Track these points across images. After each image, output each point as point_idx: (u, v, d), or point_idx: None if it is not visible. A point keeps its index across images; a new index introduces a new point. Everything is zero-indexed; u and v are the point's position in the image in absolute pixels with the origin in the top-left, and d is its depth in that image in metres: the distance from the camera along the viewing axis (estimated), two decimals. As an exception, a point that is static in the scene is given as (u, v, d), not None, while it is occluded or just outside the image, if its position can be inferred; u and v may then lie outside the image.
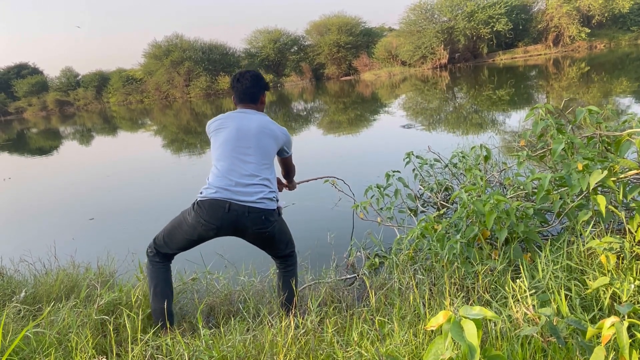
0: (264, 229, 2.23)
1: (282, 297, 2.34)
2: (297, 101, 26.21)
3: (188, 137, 15.87)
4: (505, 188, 3.84)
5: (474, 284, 2.12)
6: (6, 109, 47.50)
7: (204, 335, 1.61)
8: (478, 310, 1.03)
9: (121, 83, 43.27)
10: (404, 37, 34.04)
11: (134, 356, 1.59)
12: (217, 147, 2.32)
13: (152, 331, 1.83)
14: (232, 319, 2.10)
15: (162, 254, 2.33)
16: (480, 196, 2.80)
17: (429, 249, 2.67)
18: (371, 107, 17.30)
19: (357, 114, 15.46)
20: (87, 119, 33.14)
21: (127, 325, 1.79)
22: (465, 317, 1.02)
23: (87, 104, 44.82)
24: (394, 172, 4.12)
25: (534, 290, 1.79)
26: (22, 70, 49.91)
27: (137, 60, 48.00)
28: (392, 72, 33.74)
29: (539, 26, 31.84)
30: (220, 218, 2.16)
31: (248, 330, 1.94)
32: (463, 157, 4.28)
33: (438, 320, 1.05)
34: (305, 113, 19.24)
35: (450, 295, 1.88)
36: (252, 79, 2.42)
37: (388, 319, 1.75)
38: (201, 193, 2.24)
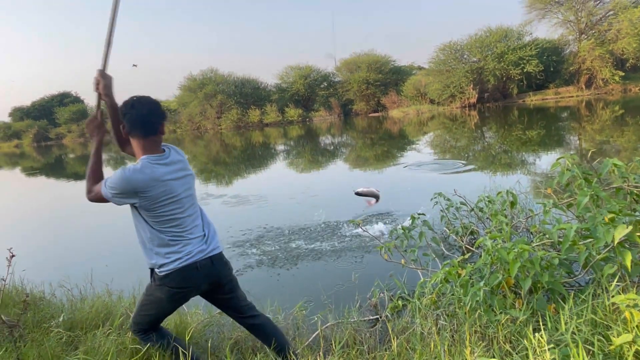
0: None
1: (278, 342, 2.27)
2: (325, 136, 26.61)
3: (217, 167, 16.27)
4: (533, 235, 3.82)
5: (496, 333, 2.13)
6: (47, 134, 49.92)
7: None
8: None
9: (156, 113, 44.96)
10: (433, 75, 34.39)
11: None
12: (164, 211, 2.20)
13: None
14: (257, 355, 2.17)
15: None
16: (505, 243, 2.82)
17: (452, 294, 2.69)
18: (398, 144, 17.43)
19: (384, 150, 15.59)
20: (123, 146, 34.33)
21: (157, 356, 1.89)
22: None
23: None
24: (419, 214, 4.17)
25: (552, 345, 1.80)
26: (64, 99, 52.69)
27: (172, 92, 49.76)
28: (421, 109, 33.98)
29: (571, 68, 31.65)
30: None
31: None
32: (489, 201, 4.30)
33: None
34: (332, 148, 19.50)
35: (471, 344, 1.91)
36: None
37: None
38: (173, 263, 2.24)
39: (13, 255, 2.21)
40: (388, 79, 38.83)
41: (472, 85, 32.24)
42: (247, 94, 40.29)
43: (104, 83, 2.30)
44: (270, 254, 4.95)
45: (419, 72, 40.76)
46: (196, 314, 2.90)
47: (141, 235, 2.17)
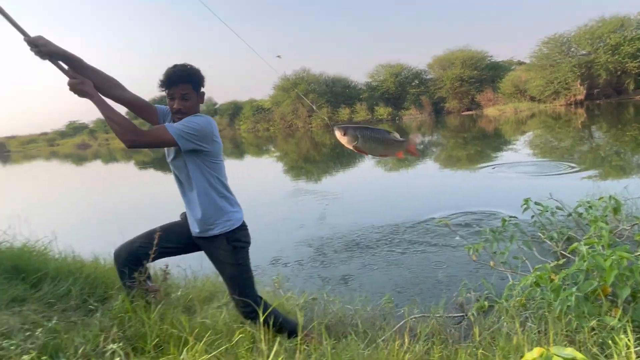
0: None
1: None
2: (415, 134, 26.19)
3: (307, 165, 16.85)
4: (638, 244, 3.58)
5: (587, 339, 2.11)
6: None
7: (326, 344, 1.90)
8: (570, 351, 1.15)
9: (251, 112, 47.45)
10: (534, 71, 32.17)
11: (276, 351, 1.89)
12: (221, 161, 2.36)
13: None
14: (347, 337, 2.37)
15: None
16: (603, 249, 2.72)
17: (542, 298, 2.67)
18: (493, 144, 16.68)
19: (478, 150, 15.04)
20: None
21: (261, 329, 2.15)
22: (557, 355, 1.15)
23: (222, 129, 49.72)
24: (510, 217, 4.09)
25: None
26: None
27: (266, 92, 52.14)
28: (519, 107, 32.00)
29: (702, 60, 27.81)
30: None
31: (362, 349, 2.18)
32: (590, 207, 4.08)
33: (532, 354, 1.19)
34: (422, 147, 19.20)
35: (556, 344, 1.92)
36: None
37: (491, 355, 1.86)
38: (237, 213, 2.39)
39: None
40: (484, 75, 37.08)
41: (579, 81, 29.67)
42: (338, 93, 40.98)
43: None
44: (360, 249, 5.15)
45: (519, 67, 38.32)
46: (292, 297, 3.18)
47: (208, 195, 2.26)
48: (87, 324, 2.03)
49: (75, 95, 2.03)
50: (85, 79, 2.05)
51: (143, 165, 24.35)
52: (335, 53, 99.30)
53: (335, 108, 39.77)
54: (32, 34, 2.02)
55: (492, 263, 3.76)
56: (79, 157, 27.89)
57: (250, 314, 2.30)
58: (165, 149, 2.35)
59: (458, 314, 3.13)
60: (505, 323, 2.46)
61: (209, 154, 2.25)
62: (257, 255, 5.02)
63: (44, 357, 1.46)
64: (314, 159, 18.81)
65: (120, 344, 1.50)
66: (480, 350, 1.90)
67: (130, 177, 20.19)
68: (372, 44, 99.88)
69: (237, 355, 1.54)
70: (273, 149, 27.26)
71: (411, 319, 2.86)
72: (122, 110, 2.24)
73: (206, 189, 2.28)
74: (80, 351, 1.57)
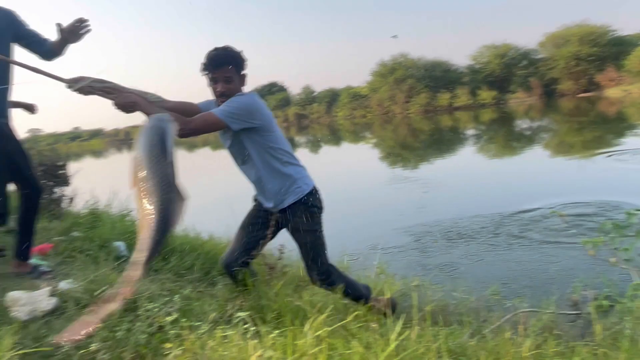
0: None
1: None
2: (522, 119, 24.45)
3: (404, 151, 16.60)
4: None
5: None
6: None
7: (432, 328, 1.93)
8: None
9: (348, 99, 47.70)
10: (671, 44, 28.09)
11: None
12: (276, 131, 2.36)
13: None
14: (452, 325, 2.36)
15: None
16: None
17: (676, 300, 2.41)
18: (615, 129, 14.96)
19: (596, 136, 13.63)
20: (318, 130, 37.69)
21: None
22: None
23: (319, 117, 50.74)
24: (637, 210, 3.69)
25: None
26: (272, 88, 59.93)
27: (363, 79, 51.96)
28: (649, 87, 28.20)
29: None
30: None
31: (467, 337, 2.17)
32: None
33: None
34: (530, 132, 17.88)
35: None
36: None
37: (614, 355, 1.74)
38: (306, 178, 2.39)
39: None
40: (605, 52, 33.16)
41: None
42: (437, 77, 39.45)
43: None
44: (461, 238, 5.02)
45: (651, 41, 33.64)
46: (391, 282, 3.22)
47: (273, 167, 2.29)
48: (212, 294, 2.28)
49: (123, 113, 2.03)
50: (126, 94, 2.04)
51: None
52: (435, 34, 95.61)
53: (435, 93, 38.40)
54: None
55: (613, 259, 3.44)
56: (190, 144, 30.41)
57: (326, 281, 2.33)
58: (222, 139, 2.41)
59: (572, 312, 2.94)
60: (629, 325, 2.27)
61: (262, 128, 2.26)
62: (356, 240, 5.18)
63: (184, 319, 1.69)
64: (411, 146, 18.47)
65: (248, 313, 1.68)
66: (602, 350, 1.79)
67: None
68: (476, 23, 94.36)
69: (351, 331, 1.63)
70: (369, 135, 27.25)
71: (520, 312, 2.75)
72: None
73: (269, 163, 2.29)
74: (210, 317, 1.78)
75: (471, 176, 9.30)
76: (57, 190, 5.16)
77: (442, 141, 18.65)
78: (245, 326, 1.56)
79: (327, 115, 50.33)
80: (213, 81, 2.28)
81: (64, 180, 5.38)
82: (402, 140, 21.21)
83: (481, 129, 22.80)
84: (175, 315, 1.72)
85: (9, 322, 1.94)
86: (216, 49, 2.26)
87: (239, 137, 2.28)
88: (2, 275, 2.66)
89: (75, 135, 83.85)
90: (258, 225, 2.42)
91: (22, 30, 2.57)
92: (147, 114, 1.96)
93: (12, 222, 3.82)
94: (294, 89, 63.70)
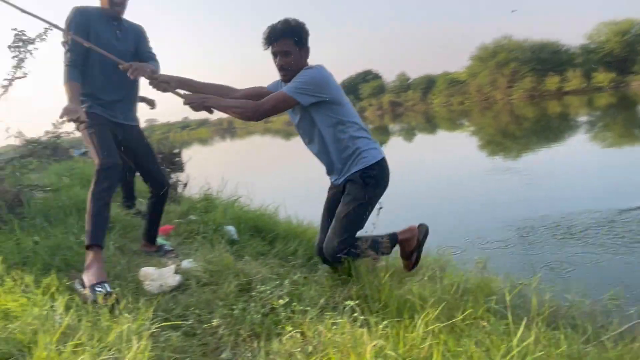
0: None
1: None
2: (647, 104, 21.66)
3: (505, 140, 15.62)
4: None
5: None
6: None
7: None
8: None
9: (445, 85, 45.90)
10: None
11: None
12: (346, 103, 2.33)
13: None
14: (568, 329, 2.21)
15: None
16: None
17: None
18: None
19: None
20: (413, 118, 36.85)
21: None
22: None
23: (414, 104, 49.52)
24: None
25: None
26: (367, 76, 59.70)
27: (461, 64, 49.47)
28: None
29: None
30: None
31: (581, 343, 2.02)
32: None
33: None
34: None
35: None
36: None
37: None
38: (373, 150, 2.34)
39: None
40: None
41: None
42: (545, 60, 36.27)
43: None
44: (571, 235, 4.65)
45: None
46: (497, 280, 3.08)
47: (341, 141, 2.27)
48: (316, 280, 2.38)
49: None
50: (199, 98, 2.24)
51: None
52: (543, 14, 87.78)
53: (542, 76, 35.36)
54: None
55: None
56: (287, 133, 31.55)
57: (339, 259, 2.26)
58: (290, 117, 2.41)
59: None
60: None
61: (332, 102, 2.23)
62: (455, 232, 5.01)
63: (295, 303, 1.80)
64: (514, 134, 17.31)
65: (356, 302, 1.74)
66: None
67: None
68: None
69: (462, 328, 1.62)
70: (467, 123, 26.01)
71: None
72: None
73: (338, 137, 2.27)
74: (319, 303, 1.87)
75: (582, 167, 8.49)
76: (174, 176, 5.69)
77: (549, 129, 17.21)
78: (354, 315, 1.62)
79: (423, 102, 48.93)
80: (274, 55, 2.29)
81: (180, 167, 5.92)
82: (503, 128, 19.95)
83: (596, 115, 20.62)
84: (286, 299, 1.84)
85: (143, 294, 2.21)
86: (276, 22, 2.24)
87: (308, 113, 2.28)
88: (134, 252, 3.03)
89: (184, 125, 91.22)
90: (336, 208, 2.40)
91: (143, 47, 2.69)
92: (219, 109, 2.22)
93: (140, 205, 4.32)
94: (389, 76, 62.66)
